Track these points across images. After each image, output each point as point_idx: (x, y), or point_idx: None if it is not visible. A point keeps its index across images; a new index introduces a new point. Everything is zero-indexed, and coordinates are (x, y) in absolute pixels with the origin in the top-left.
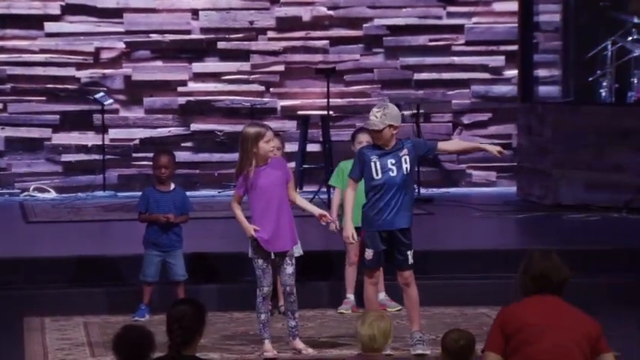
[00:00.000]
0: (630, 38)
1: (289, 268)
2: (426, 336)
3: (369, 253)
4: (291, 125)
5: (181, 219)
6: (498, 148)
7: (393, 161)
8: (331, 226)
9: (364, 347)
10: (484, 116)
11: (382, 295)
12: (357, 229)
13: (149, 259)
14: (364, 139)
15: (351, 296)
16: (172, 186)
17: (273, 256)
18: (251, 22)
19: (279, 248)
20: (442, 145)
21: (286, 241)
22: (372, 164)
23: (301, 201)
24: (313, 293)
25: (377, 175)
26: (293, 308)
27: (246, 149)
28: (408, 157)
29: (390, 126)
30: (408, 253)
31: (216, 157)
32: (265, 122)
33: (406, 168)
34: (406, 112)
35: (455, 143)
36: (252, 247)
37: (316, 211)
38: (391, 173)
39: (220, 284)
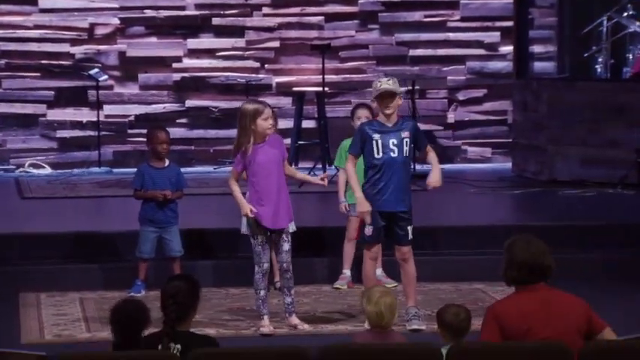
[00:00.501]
0: (625, 14)
1: (286, 245)
2: (422, 311)
3: (368, 229)
4: (286, 102)
5: (176, 195)
6: (435, 184)
7: (395, 141)
8: (341, 207)
9: (372, 324)
10: (479, 92)
11: (379, 272)
12: (354, 205)
13: (145, 236)
14: (363, 114)
15: (347, 272)
16: (167, 162)
17: (269, 233)
18: None
19: (277, 225)
20: (428, 153)
21: (284, 219)
22: (374, 142)
23: (300, 174)
24: (308, 269)
25: (378, 154)
26: (289, 285)
27: (245, 126)
28: (409, 140)
29: (399, 95)
30: (409, 228)
31: (211, 133)
32: (262, 99)
33: (406, 150)
34: (402, 89)
35: (433, 160)
36: (250, 225)
37: (315, 179)
38: (392, 154)
39: (216, 260)
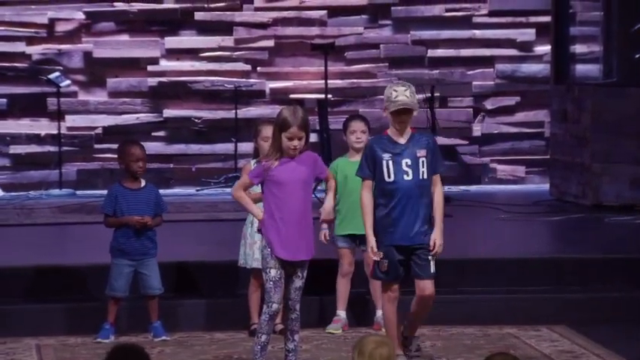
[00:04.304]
0: None
1: (298, 282)
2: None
3: (383, 264)
4: None
5: (156, 222)
6: (439, 250)
7: (409, 162)
8: (321, 235)
9: None
10: (511, 100)
11: (379, 313)
12: (358, 236)
13: (118, 270)
14: (358, 128)
15: (342, 313)
16: (143, 182)
17: (284, 267)
18: None
19: (296, 257)
20: (435, 185)
21: (302, 250)
22: (384, 164)
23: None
24: (303, 310)
25: (389, 177)
26: (293, 328)
27: (275, 135)
28: (425, 160)
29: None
30: (430, 258)
31: (194, 148)
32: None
33: (423, 172)
34: (418, 96)
35: (438, 198)
36: (264, 255)
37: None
38: (406, 177)
39: (199, 299)
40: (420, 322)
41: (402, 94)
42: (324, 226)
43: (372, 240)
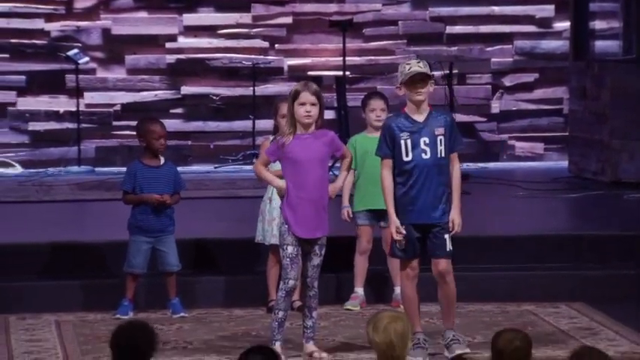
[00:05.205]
0: None
1: (316, 259)
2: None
3: (401, 243)
4: None
5: (175, 199)
6: (458, 229)
7: (427, 140)
8: (343, 212)
9: (381, 356)
10: (530, 77)
11: (397, 290)
12: (378, 211)
13: (136, 247)
14: (378, 105)
15: (359, 290)
16: (162, 160)
17: (301, 244)
18: None
19: (311, 234)
20: (453, 163)
21: (320, 227)
22: (402, 142)
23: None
24: (321, 287)
25: (407, 156)
26: (311, 304)
27: (289, 109)
28: (443, 138)
29: (432, 80)
30: (446, 236)
31: (212, 125)
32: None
33: (441, 150)
34: (437, 73)
35: (455, 176)
36: (282, 231)
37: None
38: (424, 155)
39: (218, 276)
40: (450, 307)
41: (415, 65)
42: (346, 204)
43: (396, 220)
